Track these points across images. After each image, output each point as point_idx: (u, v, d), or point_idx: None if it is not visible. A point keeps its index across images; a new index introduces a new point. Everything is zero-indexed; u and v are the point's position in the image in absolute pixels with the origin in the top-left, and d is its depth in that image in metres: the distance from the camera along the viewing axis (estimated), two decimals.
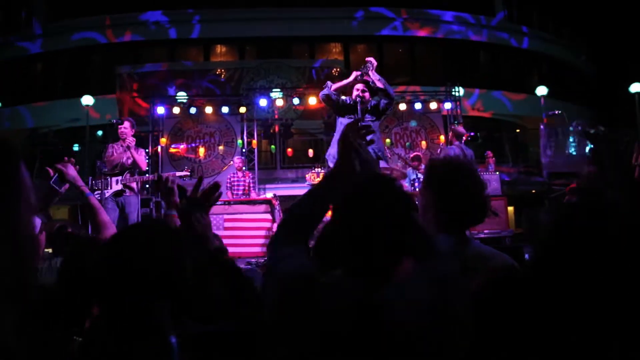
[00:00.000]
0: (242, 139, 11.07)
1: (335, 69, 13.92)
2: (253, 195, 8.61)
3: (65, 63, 18.70)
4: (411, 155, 9.06)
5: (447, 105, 11.25)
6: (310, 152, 13.54)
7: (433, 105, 11.33)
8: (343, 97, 5.31)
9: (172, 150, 11.02)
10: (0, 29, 18.74)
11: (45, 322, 1.52)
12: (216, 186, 1.71)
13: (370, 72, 5.15)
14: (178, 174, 7.01)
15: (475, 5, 19.76)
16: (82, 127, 15.38)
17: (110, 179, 6.19)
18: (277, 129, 12.71)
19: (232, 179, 8.78)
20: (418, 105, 11.21)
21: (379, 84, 5.12)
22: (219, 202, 7.63)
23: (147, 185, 9.21)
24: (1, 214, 0.89)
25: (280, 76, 13.31)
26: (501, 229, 6.85)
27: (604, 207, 1.02)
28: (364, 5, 18.67)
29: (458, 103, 11.37)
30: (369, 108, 5.22)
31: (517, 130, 20.50)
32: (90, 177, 6.29)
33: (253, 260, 6.20)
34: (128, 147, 6.21)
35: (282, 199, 8.16)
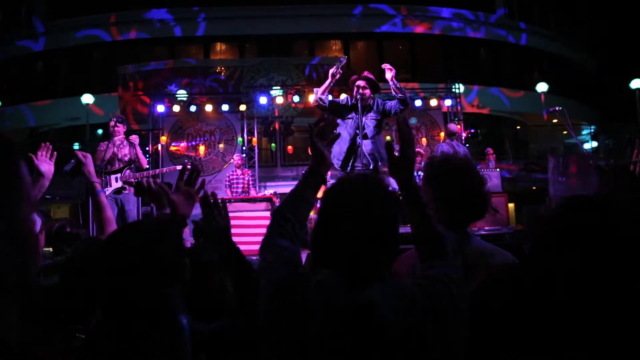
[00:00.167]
0: (242, 136, 11.07)
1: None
2: (252, 193, 8.61)
3: (68, 61, 18.70)
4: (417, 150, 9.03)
5: (448, 102, 11.24)
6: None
7: (433, 102, 11.32)
8: (341, 98, 5.27)
9: (172, 148, 11.02)
10: (1, 28, 18.72)
11: (48, 318, 1.52)
12: (194, 168, 1.73)
13: (389, 79, 5.09)
14: (178, 167, 7.14)
15: (475, 1, 19.73)
16: (82, 126, 15.41)
17: (109, 177, 6.18)
18: (277, 126, 12.71)
19: (231, 177, 8.77)
20: (418, 102, 11.19)
21: (398, 92, 5.08)
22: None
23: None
24: (2, 211, 0.89)
25: (281, 74, 13.30)
26: (501, 225, 6.84)
27: (599, 203, 1.02)
28: (363, 2, 18.65)
29: (458, 100, 11.36)
30: (372, 106, 5.17)
31: (518, 127, 20.50)
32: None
33: (254, 257, 6.20)
34: (132, 144, 6.24)
35: (283, 196, 8.15)
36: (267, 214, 7.28)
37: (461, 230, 1.83)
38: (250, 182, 8.77)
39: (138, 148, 6.30)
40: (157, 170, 8.11)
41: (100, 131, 16.12)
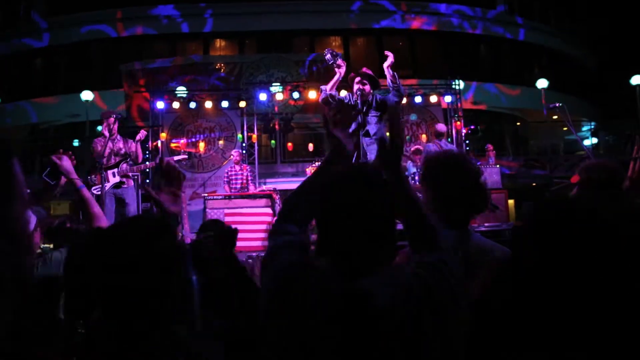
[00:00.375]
0: (242, 133, 11.06)
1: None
2: (251, 189, 8.60)
3: (70, 58, 18.66)
4: (412, 149, 9.03)
5: (448, 99, 11.22)
6: (310, 146, 13.53)
7: (433, 99, 11.30)
8: (344, 94, 5.27)
9: (172, 145, 11.01)
10: (2, 24, 18.68)
11: (47, 313, 1.52)
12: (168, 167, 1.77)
13: (385, 67, 5.09)
14: (176, 158, 7.22)
15: None
16: (82, 123, 15.41)
17: (107, 172, 6.19)
18: (277, 123, 12.70)
19: (229, 173, 8.76)
20: (418, 99, 11.17)
21: (394, 81, 5.08)
22: (219, 197, 7.67)
23: (147, 180, 9.23)
24: None
25: (281, 70, 13.28)
26: (501, 222, 6.85)
27: (575, 204, 1.02)
28: None
29: (458, 96, 11.35)
30: (372, 103, 5.17)
31: (518, 123, 20.48)
32: (87, 173, 6.30)
33: (254, 254, 6.20)
34: (139, 140, 6.36)
35: (282, 193, 8.15)
36: (267, 210, 7.28)
37: (462, 228, 1.83)
38: (249, 178, 8.76)
39: (139, 145, 6.35)
40: (155, 162, 8.13)
41: (100, 128, 16.11)
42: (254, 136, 11.18)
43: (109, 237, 1.32)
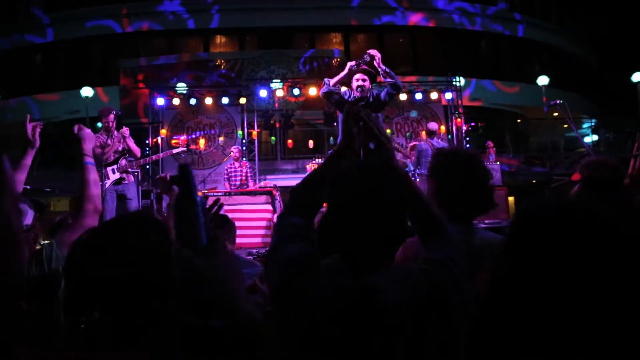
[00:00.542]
0: (243, 129, 11.05)
1: (335, 60, 13.85)
2: (251, 186, 8.60)
3: (71, 53, 18.62)
4: (410, 145, 9.02)
5: (448, 96, 11.21)
6: (311, 142, 13.52)
7: (434, 95, 11.29)
8: (343, 90, 5.25)
9: (173, 142, 11.00)
10: (3, 19, 18.61)
11: (45, 311, 1.52)
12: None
13: (376, 65, 5.08)
14: (175, 151, 7.22)
15: None
16: (82, 119, 15.37)
17: (106, 169, 6.19)
18: (277, 119, 12.69)
19: (229, 170, 8.76)
20: (419, 95, 11.17)
21: (387, 77, 5.06)
22: (219, 193, 7.67)
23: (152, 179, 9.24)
24: None
25: (281, 67, 13.27)
26: (501, 219, 6.86)
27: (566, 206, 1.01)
28: None
29: (459, 93, 11.34)
30: (369, 99, 5.16)
31: (518, 120, 20.46)
32: None
33: (254, 250, 6.21)
34: (123, 137, 6.30)
35: (283, 189, 8.15)
36: (268, 207, 7.28)
37: (466, 222, 1.83)
38: (249, 175, 8.75)
39: (131, 140, 6.34)
40: (154, 157, 8.14)
41: (99, 124, 16.08)
42: (254, 133, 11.18)
43: (105, 234, 1.32)
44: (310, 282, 1.17)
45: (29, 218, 2.00)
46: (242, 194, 7.60)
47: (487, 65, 19.61)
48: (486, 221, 6.50)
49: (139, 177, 6.88)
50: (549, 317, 0.89)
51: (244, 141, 10.97)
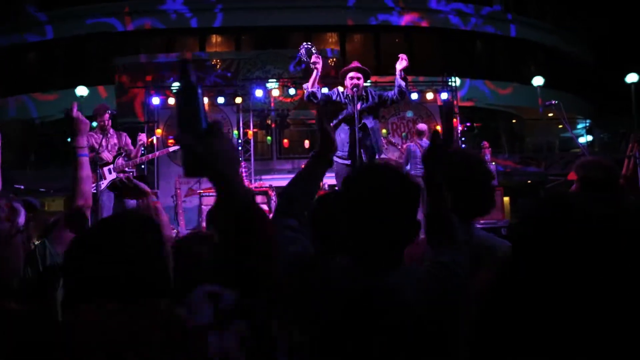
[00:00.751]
0: (238, 129, 11.03)
1: (331, 59, 13.83)
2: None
3: (70, 51, 18.52)
4: (403, 147, 9.02)
5: (444, 96, 11.23)
6: (307, 142, 13.52)
7: (429, 96, 11.31)
8: (334, 90, 5.21)
9: (169, 141, 10.96)
10: (1, 16, 18.50)
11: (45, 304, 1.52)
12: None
13: (398, 71, 5.05)
14: (170, 149, 7.22)
15: None
16: None
17: (103, 169, 6.15)
18: (273, 119, 12.67)
19: None
20: (414, 96, 11.18)
21: (402, 82, 5.06)
22: (215, 194, 7.66)
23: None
24: None
25: (277, 67, 13.24)
26: (497, 219, 6.88)
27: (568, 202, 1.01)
28: None
29: (454, 94, 11.36)
30: (367, 97, 5.14)
31: (513, 121, 20.53)
32: None
33: None
34: (120, 136, 6.33)
35: (278, 189, 8.15)
36: (264, 206, 7.27)
37: (466, 223, 1.83)
38: (245, 175, 8.75)
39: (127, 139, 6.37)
40: (150, 155, 8.10)
41: (95, 123, 16.00)
42: (250, 132, 11.16)
43: (101, 232, 1.32)
44: (312, 282, 1.17)
45: (21, 218, 1.98)
46: None
47: (482, 65, 19.66)
48: (482, 221, 6.52)
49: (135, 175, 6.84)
50: (549, 317, 0.90)
51: (240, 141, 10.96)
